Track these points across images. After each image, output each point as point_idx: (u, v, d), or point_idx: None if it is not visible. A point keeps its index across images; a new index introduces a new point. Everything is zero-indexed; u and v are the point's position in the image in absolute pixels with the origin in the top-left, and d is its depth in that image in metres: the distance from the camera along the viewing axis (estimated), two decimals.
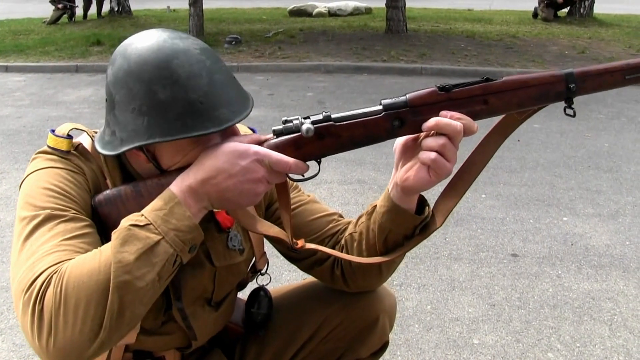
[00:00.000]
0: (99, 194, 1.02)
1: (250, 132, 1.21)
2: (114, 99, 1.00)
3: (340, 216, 1.30)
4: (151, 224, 0.89)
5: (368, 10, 14.40)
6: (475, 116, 0.97)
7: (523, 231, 3.33)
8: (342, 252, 1.19)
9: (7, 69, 8.59)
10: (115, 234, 0.89)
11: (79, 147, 1.07)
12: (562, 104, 1.01)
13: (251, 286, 1.40)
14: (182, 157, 1.00)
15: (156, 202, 0.93)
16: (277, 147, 0.99)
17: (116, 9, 13.45)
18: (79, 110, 6.19)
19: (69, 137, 1.06)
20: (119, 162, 1.09)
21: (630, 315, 2.50)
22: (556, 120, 5.45)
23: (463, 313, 2.51)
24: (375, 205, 1.13)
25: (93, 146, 1.07)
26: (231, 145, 0.95)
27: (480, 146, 1.05)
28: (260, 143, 1.00)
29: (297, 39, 10.23)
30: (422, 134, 0.99)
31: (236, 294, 1.35)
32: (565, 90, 0.98)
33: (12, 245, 0.95)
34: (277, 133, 1.00)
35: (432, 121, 0.95)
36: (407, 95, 0.98)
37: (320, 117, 0.99)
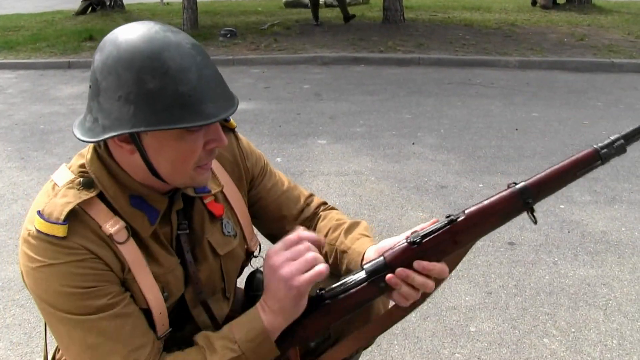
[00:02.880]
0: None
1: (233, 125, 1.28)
2: (99, 86, 0.99)
3: (311, 197, 1.41)
4: (243, 354, 1.04)
5: (365, 0, 14.35)
6: (448, 254, 1.06)
7: (520, 219, 3.27)
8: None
9: None
10: (212, 357, 1.04)
11: (70, 212, 0.99)
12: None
13: (247, 271, 1.42)
14: (166, 149, 1.00)
15: (249, 333, 1.06)
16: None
17: (108, 3, 13.15)
18: (72, 106, 6.14)
19: (65, 222, 0.98)
20: (114, 179, 1.05)
21: (624, 300, 2.53)
22: (554, 109, 5.45)
23: (460, 301, 2.53)
24: (345, 251, 1.27)
25: (82, 202, 1.01)
26: (291, 282, 1.03)
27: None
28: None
29: (292, 30, 10.21)
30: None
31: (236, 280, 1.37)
32: (523, 205, 1.04)
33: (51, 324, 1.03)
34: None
35: (397, 280, 1.06)
36: (385, 257, 1.07)
37: (313, 294, 1.09)
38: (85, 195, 1.02)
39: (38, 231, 0.98)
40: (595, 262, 2.87)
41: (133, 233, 1.06)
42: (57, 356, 1.24)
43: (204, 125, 0.98)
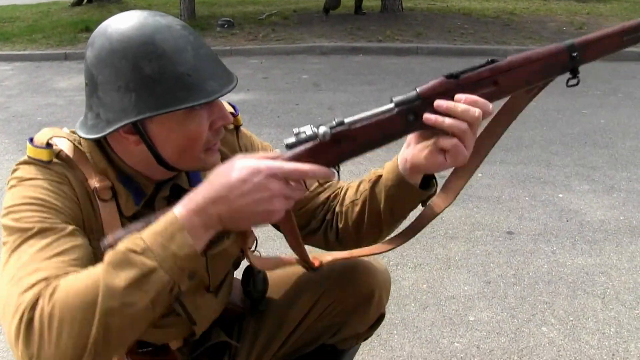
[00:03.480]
0: (107, 237, 0.93)
1: (232, 110, 1.20)
2: (96, 81, 0.99)
3: (328, 182, 1.27)
4: (149, 249, 0.83)
5: None
6: (487, 98, 0.97)
7: (519, 209, 3.35)
8: (340, 220, 1.20)
9: None
10: (108, 256, 0.84)
11: (60, 154, 1.02)
12: (564, 79, 1.03)
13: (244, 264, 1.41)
14: (174, 135, 1.00)
15: (157, 225, 0.87)
16: (292, 161, 0.94)
17: None
18: (69, 97, 6.13)
19: (49, 146, 1.01)
20: (106, 156, 1.06)
21: (622, 288, 2.54)
22: (553, 97, 5.44)
23: (459, 291, 2.54)
24: (380, 175, 1.12)
25: (75, 151, 1.04)
26: (241, 162, 0.90)
27: (488, 127, 1.05)
28: (273, 159, 0.95)
29: (290, 20, 10.18)
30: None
31: (233, 274, 1.35)
32: (569, 60, 0.99)
33: (1, 257, 0.92)
34: (290, 146, 0.96)
35: (445, 105, 0.94)
36: (418, 89, 0.97)
37: (333, 123, 0.96)
38: (78, 145, 1.04)
39: (27, 157, 1.02)
40: (593, 250, 2.88)
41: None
42: None
43: (208, 103, 0.97)
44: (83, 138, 1.04)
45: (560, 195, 3.52)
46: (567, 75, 1.01)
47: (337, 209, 1.22)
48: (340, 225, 1.21)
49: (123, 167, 1.06)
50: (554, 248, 2.90)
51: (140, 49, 0.95)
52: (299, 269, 1.37)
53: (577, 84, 1.00)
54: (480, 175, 3.80)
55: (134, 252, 0.83)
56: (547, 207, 3.37)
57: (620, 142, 4.44)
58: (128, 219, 1.05)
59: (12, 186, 0.99)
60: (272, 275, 1.37)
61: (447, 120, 0.93)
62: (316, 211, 1.24)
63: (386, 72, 6.89)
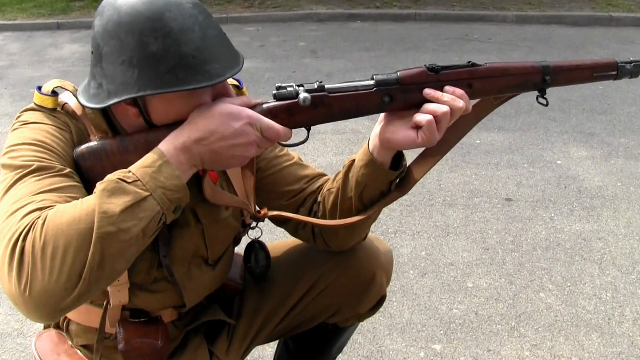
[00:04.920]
0: (81, 145, 1.01)
1: (237, 83, 1.20)
2: (101, 51, 0.99)
3: (322, 175, 1.30)
4: (139, 180, 0.88)
5: None
6: None
7: (517, 175, 3.35)
8: (319, 209, 1.21)
9: None
10: (101, 185, 0.87)
11: (64, 106, 1.06)
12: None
13: (245, 240, 1.40)
14: (173, 112, 1.00)
15: (145, 159, 0.92)
16: (270, 112, 1.00)
17: None
18: (62, 68, 6.05)
19: (54, 94, 1.05)
20: (107, 119, 1.07)
21: (619, 253, 2.56)
22: None
23: (457, 258, 2.56)
24: (353, 160, 1.15)
25: (78, 105, 1.06)
26: (225, 107, 0.96)
27: (454, 125, 1.08)
28: (252, 107, 1.00)
29: None
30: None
31: (233, 250, 1.34)
32: (541, 81, 1.06)
33: None
34: (273, 97, 1.01)
35: (437, 93, 1.01)
36: (399, 73, 1.02)
37: (314, 86, 1.01)
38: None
39: (33, 103, 1.05)
40: (591, 217, 2.89)
41: None
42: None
43: (209, 86, 0.97)
44: (84, 106, 1.04)
45: (559, 162, 3.52)
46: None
47: (318, 198, 1.24)
48: (319, 215, 1.22)
49: (122, 131, 1.07)
50: (552, 214, 2.92)
51: (147, 24, 0.95)
52: (300, 247, 1.38)
53: (547, 105, 1.07)
54: (478, 142, 3.80)
55: (125, 181, 0.88)
56: (545, 174, 3.37)
57: (618, 108, 4.43)
58: None
59: (15, 129, 1.02)
60: (273, 253, 1.36)
61: (440, 99, 1.01)
62: (306, 200, 1.25)
63: (384, 39, 6.81)
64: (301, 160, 1.32)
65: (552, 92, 3.86)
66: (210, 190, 1.10)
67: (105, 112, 1.07)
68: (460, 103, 1.00)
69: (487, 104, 1.11)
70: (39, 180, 0.92)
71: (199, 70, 0.96)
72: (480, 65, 1.04)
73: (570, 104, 4.51)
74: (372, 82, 1.03)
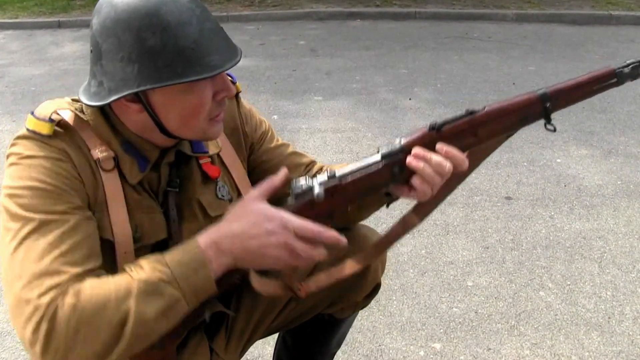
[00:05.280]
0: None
1: (230, 79, 1.20)
2: (100, 49, 0.99)
3: (314, 162, 1.36)
4: (175, 280, 0.90)
5: None
6: (467, 148, 1.04)
7: (517, 174, 3.36)
8: None
9: None
10: (140, 283, 0.89)
11: (60, 122, 1.01)
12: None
13: None
14: (176, 107, 1.01)
15: (183, 256, 0.93)
16: (294, 212, 1.01)
17: None
18: (63, 67, 6.02)
19: (51, 120, 1.00)
20: (110, 126, 1.06)
21: (618, 252, 2.56)
22: (551, 62, 5.40)
23: (457, 256, 2.56)
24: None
25: (77, 120, 1.04)
26: (260, 207, 0.97)
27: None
28: (275, 190, 1.02)
29: None
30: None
31: None
32: (542, 110, 1.05)
33: (1, 241, 0.93)
34: (295, 196, 1.03)
35: (425, 154, 1.00)
36: (402, 141, 1.03)
37: (325, 178, 1.03)
38: (81, 114, 1.04)
39: (27, 130, 1.00)
40: (591, 215, 2.89)
41: (120, 174, 1.06)
42: None
43: (209, 78, 0.98)
44: (85, 104, 1.04)
45: (559, 160, 3.52)
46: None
47: None
48: None
49: (127, 134, 1.07)
50: (552, 213, 2.92)
51: (145, 20, 0.95)
52: None
53: (554, 130, 1.06)
54: None
55: (163, 281, 0.90)
56: (545, 172, 3.37)
57: (618, 106, 4.42)
58: (133, 187, 1.07)
59: (11, 163, 0.99)
60: None
61: (424, 169, 1.00)
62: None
63: (384, 37, 6.81)
64: (295, 149, 1.36)
65: None
66: (258, 283, 1.12)
67: (107, 116, 1.06)
68: (447, 167, 0.99)
69: (494, 141, 1.11)
70: (50, 238, 0.91)
71: (198, 62, 0.97)
72: (478, 111, 1.03)
73: None
74: (378, 156, 1.04)
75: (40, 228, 0.91)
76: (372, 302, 1.48)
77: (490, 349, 2.01)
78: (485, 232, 2.76)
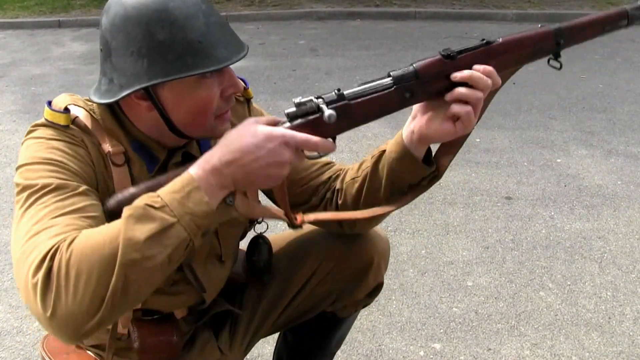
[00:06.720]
0: (111, 197, 0.98)
1: (243, 84, 1.21)
2: (110, 46, 1.01)
3: (329, 163, 1.31)
4: (167, 205, 0.86)
5: None
6: None
7: (517, 174, 3.35)
8: (340, 197, 1.22)
9: None
10: (128, 210, 0.85)
11: (76, 121, 1.04)
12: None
13: (250, 235, 1.41)
14: (185, 102, 1.01)
15: (174, 184, 0.89)
16: (295, 130, 0.97)
17: None
18: (64, 66, 6.02)
19: (67, 111, 1.03)
20: (120, 125, 1.07)
21: (619, 252, 2.56)
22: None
23: (457, 256, 2.56)
24: (383, 151, 1.14)
25: (89, 119, 1.05)
26: (256, 127, 0.93)
27: None
28: (276, 124, 0.98)
29: None
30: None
31: (238, 244, 1.37)
32: (555, 46, 1.05)
33: (14, 214, 0.93)
34: (292, 116, 0.98)
35: (466, 73, 0.98)
36: (416, 66, 1.00)
37: (333, 96, 0.99)
38: (93, 113, 1.06)
39: (44, 119, 1.03)
40: (591, 215, 2.89)
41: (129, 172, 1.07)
42: None
43: (218, 70, 0.99)
44: (96, 103, 1.05)
45: (559, 160, 3.52)
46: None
47: (337, 186, 1.24)
48: (339, 202, 1.22)
49: (136, 133, 1.08)
50: (552, 213, 2.91)
51: (154, 15, 0.97)
52: (300, 239, 1.40)
53: (560, 68, 1.06)
54: (478, 140, 3.79)
55: (153, 207, 0.86)
56: (545, 172, 3.37)
57: (618, 106, 4.42)
58: None
59: (27, 145, 1.01)
60: (274, 246, 1.38)
61: (472, 75, 0.98)
62: (318, 188, 1.26)
63: (384, 37, 6.81)
64: None
65: (552, 90, 3.87)
66: (244, 205, 1.05)
67: (116, 115, 1.07)
68: (489, 81, 0.98)
69: (503, 75, 1.08)
70: (57, 200, 0.91)
71: (206, 55, 0.98)
72: (494, 41, 1.02)
73: (570, 102, 4.51)
74: (389, 80, 1.00)
75: (50, 193, 0.92)
76: (372, 302, 1.48)
77: (490, 349, 2.01)
78: (485, 232, 2.75)
